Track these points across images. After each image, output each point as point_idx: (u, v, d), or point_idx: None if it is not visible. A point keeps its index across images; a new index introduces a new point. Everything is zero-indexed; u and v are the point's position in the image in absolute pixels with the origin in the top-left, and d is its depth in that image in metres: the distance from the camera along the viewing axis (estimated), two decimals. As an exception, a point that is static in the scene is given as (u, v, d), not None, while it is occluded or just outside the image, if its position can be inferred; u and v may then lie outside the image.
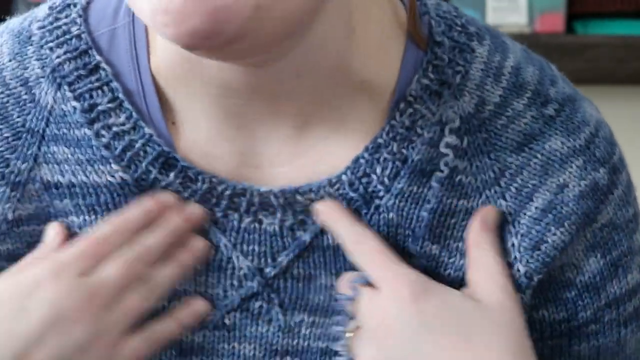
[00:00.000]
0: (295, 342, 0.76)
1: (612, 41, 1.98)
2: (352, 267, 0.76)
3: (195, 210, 0.75)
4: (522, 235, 0.77)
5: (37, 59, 0.76)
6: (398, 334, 0.72)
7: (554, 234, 0.77)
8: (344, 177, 0.75)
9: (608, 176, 0.79)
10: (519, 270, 0.76)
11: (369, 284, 0.74)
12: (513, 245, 0.77)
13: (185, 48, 0.65)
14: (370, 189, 0.76)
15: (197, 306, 0.76)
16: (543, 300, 0.79)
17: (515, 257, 0.76)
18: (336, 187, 0.75)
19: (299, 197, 0.75)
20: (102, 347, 0.72)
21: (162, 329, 0.75)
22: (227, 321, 0.76)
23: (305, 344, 0.76)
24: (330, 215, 0.75)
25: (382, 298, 0.73)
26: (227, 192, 0.75)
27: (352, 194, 0.75)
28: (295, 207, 0.75)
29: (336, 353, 0.75)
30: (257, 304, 0.76)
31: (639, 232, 0.82)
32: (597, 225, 0.79)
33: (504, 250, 0.76)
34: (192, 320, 0.76)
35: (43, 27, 0.77)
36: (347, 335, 0.74)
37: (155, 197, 0.74)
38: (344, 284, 0.75)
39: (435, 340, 0.71)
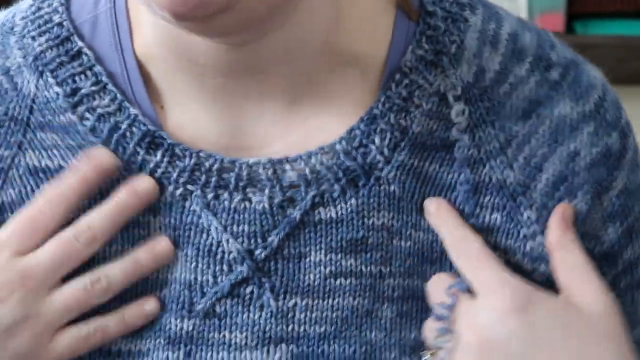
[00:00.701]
0: (289, 328, 0.73)
1: (612, 41, 1.98)
2: (342, 243, 0.73)
3: (143, 183, 0.72)
4: (537, 209, 0.75)
5: (19, 48, 0.76)
6: (504, 349, 0.68)
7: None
8: (337, 147, 0.74)
9: (620, 140, 0.78)
10: (541, 244, 0.74)
11: (467, 289, 0.71)
12: (529, 218, 0.75)
13: (176, 19, 0.64)
14: (369, 160, 0.74)
15: (148, 307, 0.73)
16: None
17: (535, 231, 0.74)
18: (329, 155, 0.73)
19: (288, 167, 0.73)
20: (30, 334, 0.70)
21: (104, 329, 0.72)
22: (217, 309, 0.73)
23: (301, 329, 0.73)
24: (439, 215, 0.73)
25: (484, 308, 0.69)
26: (216, 167, 0.73)
27: (348, 163, 0.73)
28: (283, 182, 0.73)
29: (335, 337, 0.73)
30: (248, 290, 0.73)
31: None
32: (614, 193, 0.77)
33: (518, 222, 0.75)
34: (140, 322, 0.73)
35: (25, 17, 0.77)
36: (441, 342, 0.70)
37: (87, 155, 0.72)
38: (440, 289, 0.72)
39: (549, 357, 0.68)
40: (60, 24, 0.76)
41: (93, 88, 0.75)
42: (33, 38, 0.76)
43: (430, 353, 0.72)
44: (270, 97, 0.74)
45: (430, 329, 0.73)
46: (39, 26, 0.76)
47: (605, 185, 0.77)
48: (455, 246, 0.73)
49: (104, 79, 0.75)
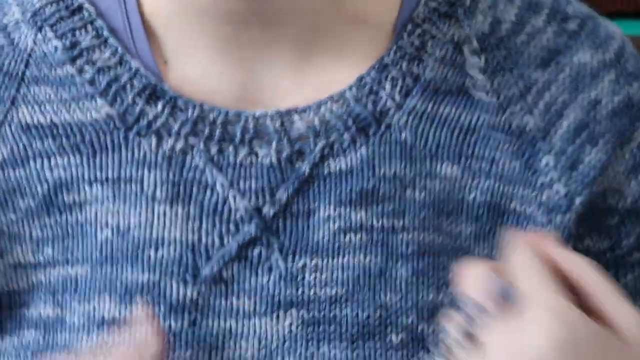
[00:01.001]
0: (299, 291, 0.70)
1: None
2: (352, 195, 0.70)
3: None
4: (556, 154, 0.73)
5: (17, 5, 0.75)
6: None
7: (589, 154, 0.73)
8: (347, 94, 0.72)
9: None
10: (558, 192, 0.73)
11: (504, 297, 0.63)
12: (548, 164, 0.73)
13: None
14: (379, 107, 0.72)
15: None
16: (587, 230, 0.75)
17: (552, 178, 0.73)
18: (339, 103, 0.71)
19: (296, 119, 0.71)
20: None
21: None
22: (224, 274, 0.70)
23: (311, 292, 0.70)
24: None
25: (525, 323, 0.62)
26: (220, 119, 0.71)
27: (358, 110, 0.71)
28: (291, 134, 0.71)
29: (346, 300, 0.69)
30: (256, 252, 0.70)
31: None
32: (636, 144, 0.75)
33: (535, 170, 0.73)
34: None
35: None
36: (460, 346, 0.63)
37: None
38: (478, 281, 0.65)
39: None
40: None
41: (94, 42, 0.73)
42: None
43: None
44: (279, 49, 0.72)
45: (453, 324, 0.65)
46: None
47: (627, 136, 0.75)
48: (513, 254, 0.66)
49: (105, 33, 0.73)
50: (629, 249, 0.77)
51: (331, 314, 0.70)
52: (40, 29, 0.73)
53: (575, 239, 0.74)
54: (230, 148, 0.71)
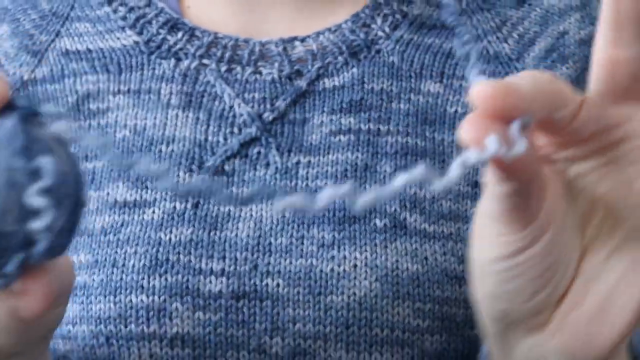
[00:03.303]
0: (293, 182, 0.77)
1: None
2: (343, 105, 0.79)
3: None
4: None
5: None
6: None
7: (561, 70, 0.81)
8: (343, 26, 0.82)
9: None
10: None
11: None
12: None
13: None
14: (370, 36, 0.81)
15: None
16: None
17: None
18: (336, 33, 0.81)
19: (297, 44, 0.81)
20: None
21: None
22: (226, 167, 0.77)
23: (304, 184, 0.77)
24: None
25: None
26: (231, 44, 0.81)
27: (352, 38, 0.81)
28: (292, 57, 0.81)
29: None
30: (256, 150, 0.78)
31: None
32: None
33: None
34: None
35: None
36: None
37: None
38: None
39: None
40: None
41: None
42: None
43: None
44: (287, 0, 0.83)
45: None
46: None
47: None
48: None
49: None
50: None
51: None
52: None
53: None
54: (238, 67, 0.81)
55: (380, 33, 0.82)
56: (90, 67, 0.82)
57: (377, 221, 0.75)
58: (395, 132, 0.78)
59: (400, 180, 0.48)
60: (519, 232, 0.49)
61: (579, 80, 0.81)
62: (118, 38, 0.83)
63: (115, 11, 0.84)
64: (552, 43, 0.83)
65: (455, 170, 0.47)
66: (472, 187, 0.78)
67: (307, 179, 0.77)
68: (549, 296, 0.51)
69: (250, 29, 0.83)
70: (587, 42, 0.83)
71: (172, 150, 0.78)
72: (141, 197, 0.77)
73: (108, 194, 0.77)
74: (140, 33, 0.83)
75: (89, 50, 0.83)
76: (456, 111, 0.80)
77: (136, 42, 0.82)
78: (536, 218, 0.49)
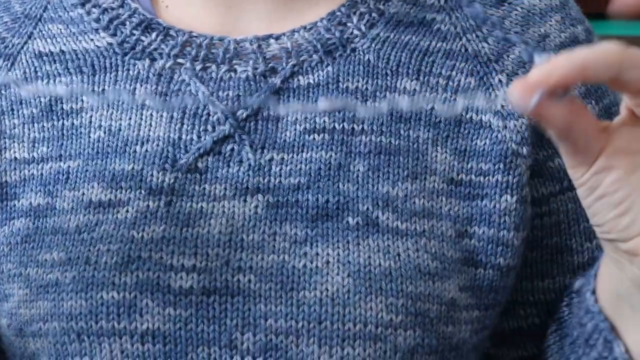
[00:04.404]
0: (265, 180, 0.76)
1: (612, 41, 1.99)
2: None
3: None
4: (508, 74, 0.80)
5: None
6: None
7: None
8: (319, 24, 0.81)
9: (585, 34, 0.85)
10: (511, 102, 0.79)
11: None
12: (501, 81, 0.79)
13: None
14: (346, 35, 0.81)
15: None
16: (554, 150, 0.80)
17: (505, 92, 0.79)
18: (311, 31, 0.81)
19: (272, 42, 0.81)
20: None
21: None
22: (199, 164, 0.77)
23: (276, 181, 0.76)
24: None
25: None
26: (205, 42, 0.81)
27: (327, 36, 0.80)
28: (267, 55, 0.80)
29: (308, 187, 0.76)
30: (229, 147, 0.77)
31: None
32: None
33: (490, 85, 0.79)
34: None
35: None
36: None
37: None
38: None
39: None
40: None
41: None
42: None
43: None
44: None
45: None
46: None
47: None
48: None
49: None
50: None
51: (293, 198, 0.75)
52: None
53: (544, 159, 0.81)
54: (213, 66, 0.80)
55: (356, 31, 0.81)
56: (64, 69, 0.82)
57: (350, 219, 0.75)
58: (369, 131, 0.78)
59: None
60: (579, 166, 0.62)
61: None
62: (92, 40, 0.82)
63: (88, 13, 0.84)
64: (533, 47, 0.80)
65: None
66: (447, 184, 0.78)
67: (280, 175, 0.76)
68: (632, 224, 0.62)
69: (226, 27, 0.83)
70: (566, 46, 0.82)
71: (147, 150, 0.78)
72: (115, 196, 0.76)
73: (83, 194, 0.77)
74: (114, 34, 0.82)
75: (62, 52, 0.82)
76: (432, 108, 0.79)
77: (110, 44, 0.82)
78: (592, 157, 0.62)
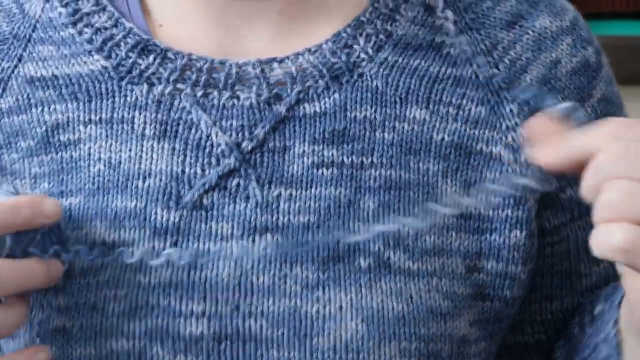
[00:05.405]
0: (274, 218, 0.74)
1: (612, 41, 1.97)
2: (325, 134, 0.76)
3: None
4: (519, 104, 0.78)
5: None
6: None
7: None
8: (324, 46, 0.78)
9: (595, 55, 0.83)
10: (521, 135, 0.77)
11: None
12: (512, 111, 0.78)
13: None
14: (352, 59, 0.78)
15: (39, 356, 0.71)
16: (565, 181, 0.79)
17: (516, 123, 0.78)
18: (316, 55, 0.78)
19: (275, 66, 0.77)
20: None
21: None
22: (204, 201, 0.74)
23: (285, 219, 0.74)
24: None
25: None
26: (206, 66, 0.77)
27: (333, 60, 0.77)
28: (270, 80, 0.77)
29: (318, 227, 0.74)
30: (235, 182, 0.75)
31: (624, 108, 0.85)
32: (594, 100, 0.82)
33: (501, 115, 0.78)
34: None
35: None
36: None
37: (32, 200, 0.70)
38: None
39: None
40: None
41: (93, 8, 0.80)
42: None
43: None
44: (267, 16, 0.79)
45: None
46: None
47: (586, 92, 0.81)
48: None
49: (105, 1, 0.80)
50: None
51: (303, 239, 0.73)
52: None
53: (556, 190, 0.80)
54: (215, 92, 0.77)
55: (362, 55, 0.78)
56: (58, 95, 0.78)
57: (362, 261, 0.73)
58: (378, 165, 0.76)
59: None
60: None
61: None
62: (85, 63, 0.79)
63: (80, 33, 0.80)
64: (544, 74, 0.80)
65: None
66: (456, 217, 0.77)
67: (288, 213, 0.74)
68: None
69: (226, 47, 0.79)
70: (578, 72, 0.81)
71: (149, 186, 0.75)
72: (120, 236, 0.74)
73: (86, 234, 0.75)
74: (108, 57, 0.78)
75: (55, 77, 0.79)
76: (442, 138, 0.77)
77: (104, 67, 0.78)
78: None
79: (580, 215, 0.81)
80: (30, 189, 0.78)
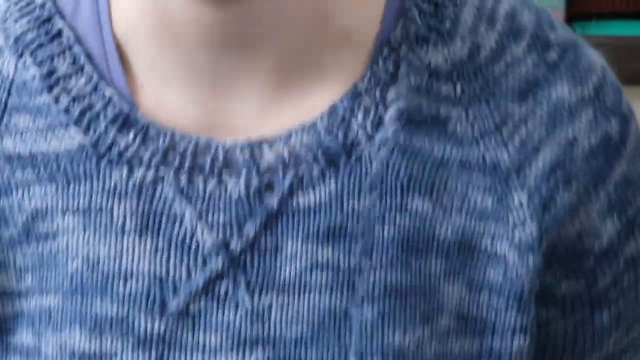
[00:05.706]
0: (265, 327, 0.69)
1: (612, 41, 1.97)
2: (320, 232, 0.70)
3: None
4: (529, 193, 0.71)
5: (1, 31, 0.76)
6: None
7: (562, 194, 0.72)
8: (319, 124, 0.71)
9: (619, 127, 0.74)
10: (530, 232, 0.71)
11: None
12: (521, 202, 0.71)
13: None
14: (350, 138, 0.70)
15: None
16: (563, 273, 0.74)
17: (525, 217, 0.71)
18: (310, 134, 0.70)
19: (266, 149, 0.71)
20: None
21: None
22: (191, 308, 0.69)
23: (277, 331, 0.69)
24: None
25: None
26: (190, 149, 0.71)
27: (328, 141, 0.70)
28: (261, 165, 0.70)
29: (312, 341, 0.69)
30: (223, 287, 0.69)
31: None
32: (611, 184, 0.74)
33: (508, 208, 0.71)
34: None
35: (9, 0, 0.77)
36: None
37: None
38: None
39: None
40: (42, 5, 0.76)
41: (70, 69, 0.73)
42: (15, 20, 0.75)
43: None
44: (257, 75, 0.72)
45: None
46: (21, 8, 0.76)
47: (602, 177, 0.74)
48: None
49: (82, 59, 0.73)
50: (605, 288, 0.75)
51: (296, 355, 0.69)
52: (21, 55, 0.74)
53: (552, 284, 0.74)
54: (200, 178, 0.70)
55: (361, 133, 0.70)
56: (37, 176, 0.72)
57: None
58: (377, 267, 0.70)
59: None
60: None
61: (583, 203, 0.73)
62: (62, 138, 0.72)
63: (56, 100, 0.72)
64: (558, 156, 0.72)
65: None
66: (457, 320, 0.72)
67: (280, 323, 0.69)
68: None
69: (212, 115, 0.72)
70: (596, 151, 0.73)
71: (131, 289, 0.70)
72: (101, 346, 0.69)
73: (66, 341, 0.70)
74: (86, 130, 0.71)
75: (33, 155, 0.72)
76: (445, 235, 0.71)
77: (82, 145, 0.71)
78: None
79: (574, 310, 0.76)
80: (16, 283, 0.73)
